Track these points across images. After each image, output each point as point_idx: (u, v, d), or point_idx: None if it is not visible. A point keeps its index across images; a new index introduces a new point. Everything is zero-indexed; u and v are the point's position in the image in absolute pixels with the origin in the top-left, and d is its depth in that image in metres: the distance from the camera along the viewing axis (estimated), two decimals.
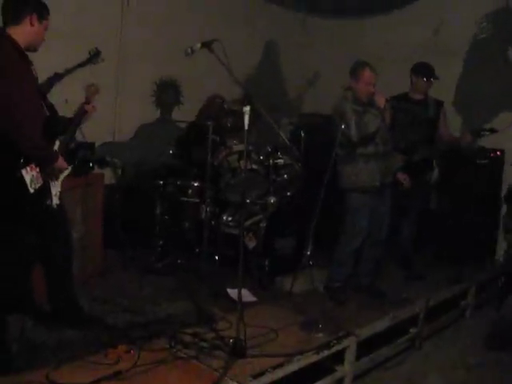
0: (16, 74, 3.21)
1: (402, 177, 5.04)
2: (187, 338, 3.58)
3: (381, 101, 4.45)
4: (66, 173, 3.66)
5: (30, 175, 3.30)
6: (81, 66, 3.95)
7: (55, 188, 3.55)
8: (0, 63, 3.17)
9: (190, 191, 5.24)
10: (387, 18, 7.05)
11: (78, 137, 4.17)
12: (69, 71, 3.98)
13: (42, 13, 3.42)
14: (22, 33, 3.34)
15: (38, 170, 3.36)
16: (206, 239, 4.98)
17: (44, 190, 3.44)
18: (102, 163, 5.44)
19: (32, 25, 3.36)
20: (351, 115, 4.43)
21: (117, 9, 5.74)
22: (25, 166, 3.28)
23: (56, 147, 3.56)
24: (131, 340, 3.47)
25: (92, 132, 4.67)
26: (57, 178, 3.57)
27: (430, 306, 4.89)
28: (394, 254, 5.61)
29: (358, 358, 4.05)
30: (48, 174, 3.46)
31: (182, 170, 5.34)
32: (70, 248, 3.83)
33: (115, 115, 5.80)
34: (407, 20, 6.85)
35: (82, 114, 3.73)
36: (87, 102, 3.78)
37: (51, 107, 3.61)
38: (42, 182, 3.40)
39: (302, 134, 5.92)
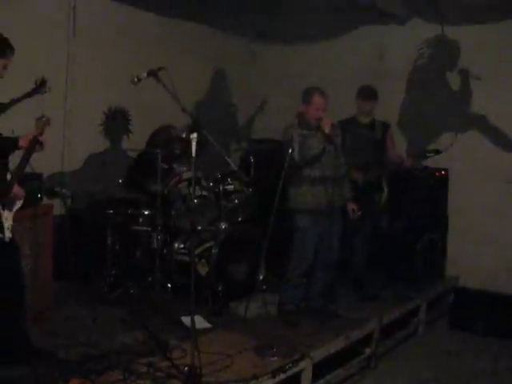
0: None
1: (350, 207, 5.06)
2: (142, 368, 3.55)
3: (327, 125, 4.54)
4: (18, 205, 3.61)
5: None
6: (27, 96, 3.91)
7: (7, 221, 3.51)
8: None
9: (140, 220, 5.21)
10: (332, 44, 7.21)
11: (26, 168, 4.10)
12: (14, 101, 3.94)
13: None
14: None
15: None
16: (158, 267, 4.95)
17: None
18: (51, 194, 5.36)
19: None
20: (296, 138, 4.54)
21: (63, 38, 5.70)
22: None
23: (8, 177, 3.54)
24: (84, 373, 3.41)
25: (40, 162, 4.61)
26: (11, 210, 3.53)
27: (383, 325, 4.97)
28: (347, 275, 5.67)
29: (313, 380, 4.08)
30: (5, 204, 3.45)
31: (133, 198, 5.31)
32: (22, 282, 3.75)
33: (64, 145, 5.73)
34: (351, 46, 7.03)
35: (34, 144, 3.68)
36: (39, 134, 3.72)
37: None
38: None
39: (252, 159, 5.96)
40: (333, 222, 4.73)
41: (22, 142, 3.65)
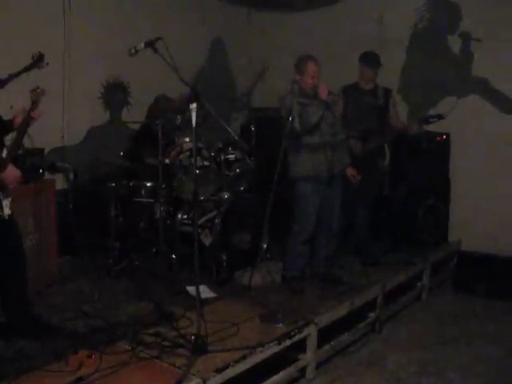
0: None
1: (350, 172, 5.08)
2: (149, 339, 3.59)
3: (323, 92, 4.51)
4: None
5: None
6: (24, 71, 3.89)
7: (6, 198, 3.50)
8: None
9: (143, 191, 5.21)
10: (331, 10, 7.12)
11: (27, 143, 4.11)
12: (12, 77, 3.92)
13: None
14: None
15: None
16: (161, 239, 4.97)
17: None
18: (53, 168, 5.37)
19: None
20: (295, 107, 4.52)
21: (59, 10, 5.63)
22: None
23: (4, 155, 3.51)
24: (92, 345, 3.45)
25: (40, 137, 4.61)
26: (6, 189, 3.50)
27: (387, 290, 5.00)
28: (350, 240, 5.70)
29: (319, 345, 4.13)
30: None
31: (135, 170, 5.30)
32: (23, 259, 3.75)
33: (63, 119, 5.71)
34: (351, 12, 6.94)
35: (27, 121, 3.65)
36: (34, 106, 3.71)
37: None
38: None
39: (253, 128, 5.94)
40: (333, 188, 4.76)
41: (16, 122, 3.64)
